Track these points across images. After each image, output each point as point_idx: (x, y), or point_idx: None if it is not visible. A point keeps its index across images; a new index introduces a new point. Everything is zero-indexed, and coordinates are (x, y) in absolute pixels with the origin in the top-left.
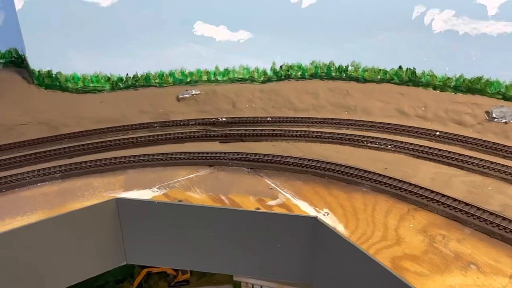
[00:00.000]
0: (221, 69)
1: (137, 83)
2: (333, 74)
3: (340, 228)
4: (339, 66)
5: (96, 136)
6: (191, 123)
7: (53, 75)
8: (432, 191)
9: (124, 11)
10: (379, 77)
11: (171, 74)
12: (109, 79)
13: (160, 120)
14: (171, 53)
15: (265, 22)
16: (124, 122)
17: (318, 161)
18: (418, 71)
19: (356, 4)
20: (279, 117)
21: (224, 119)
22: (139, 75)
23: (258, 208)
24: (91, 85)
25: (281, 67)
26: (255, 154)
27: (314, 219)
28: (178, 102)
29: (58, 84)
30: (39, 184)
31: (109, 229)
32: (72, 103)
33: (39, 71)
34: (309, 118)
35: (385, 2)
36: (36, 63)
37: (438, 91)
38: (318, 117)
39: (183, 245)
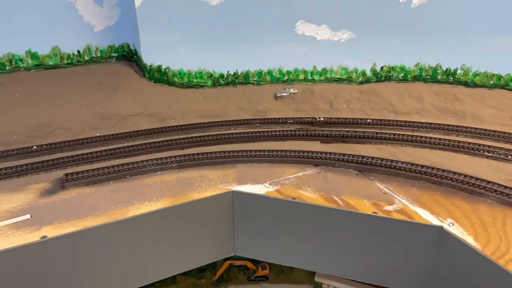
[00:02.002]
0: (319, 68)
1: (236, 80)
2: (439, 77)
3: (470, 240)
4: (446, 69)
5: (201, 129)
6: (289, 121)
7: (162, 70)
8: None
9: (231, 10)
10: (491, 82)
11: (269, 72)
12: (211, 75)
13: (259, 117)
14: (271, 52)
15: (369, 22)
16: (225, 117)
17: (433, 168)
18: None
19: (471, 4)
20: (380, 120)
21: (322, 119)
22: (239, 73)
23: (375, 212)
24: (195, 80)
25: (382, 68)
26: (362, 157)
27: (439, 228)
28: (276, 100)
29: (166, 78)
30: (158, 172)
31: (222, 220)
32: (177, 97)
33: (150, 66)
34: (413, 122)
35: (502, 2)
36: (149, 58)
37: None
38: (423, 121)
39: (293, 242)
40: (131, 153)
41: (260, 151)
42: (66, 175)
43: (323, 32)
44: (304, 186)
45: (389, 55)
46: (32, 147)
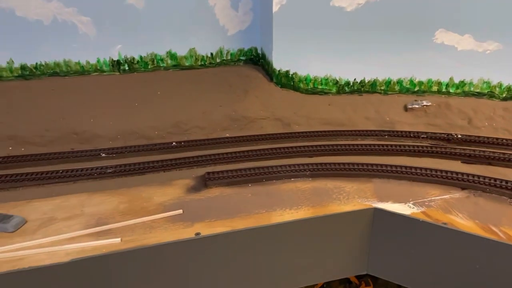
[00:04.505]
0: (456, 80)
1: (362, 88)
2: None
3: None
4: None
5: (326, 138)
6: (421, 136)
7: (290, 75)
8: None
9: (366, 16)
10: None
11: (399, 81)
12: (337, 82)
13: (386, 129)
14: (403, 60)
15: None
16: (350, 127)
17: None
18: None
19: None
20: None
21: (459, 136)
22: (366, 81)
23: None
24: (320, 87)
25: None
26: None
27: None
28: (405, 112)
29: (292, 83)
30: (292, 179)
31: (359, 237)
32: (303, 103)
33: (279, 71)
34: None
35: None
36: (278, 63)
37: None
38: None
39: (438, 270)
40: (262, 156)
41: (397, 166)
42: (208, 173)
43: (466, 42)
44: (453, 210)
45: None
46: (171, 143)
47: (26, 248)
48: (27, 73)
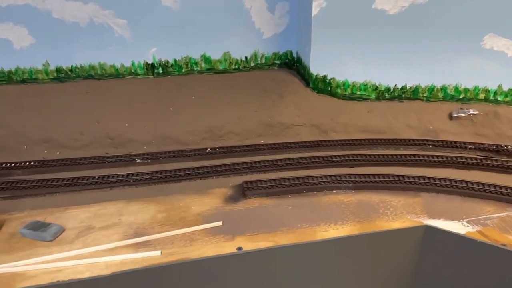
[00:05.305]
0: (505, 88)
1: (403, 95)
2: None
3: None
4: None
5: (366, 146)
6: (469, 147)
7: (327, 80)
8: None
9: (409, 20)
10: None
11: (443, 88)
12: (376, 88)
13: (430, 138)
14: (447, 66)
15: None
16: (391, 135)
17: None
18: None
19: None
20: None
21: (510, 147)
22: (407, 87)
23: None
24: (358, 92)
25: None
26: None
27: None
28: (450, 121)
29: (329, 89)
30: (334, 191)
31: (407, 256)
32: (340, 109)
33: (316, 76)
34: None
35: None
36: (316, 67)
37: None
38: None
39: None
40: (300, 165)
41: (446, 180)
42: (246, 183)
43: None
44: (511, 230)
45: None
46: (206, 149)
47: (65, 259)
48: (62, 76)
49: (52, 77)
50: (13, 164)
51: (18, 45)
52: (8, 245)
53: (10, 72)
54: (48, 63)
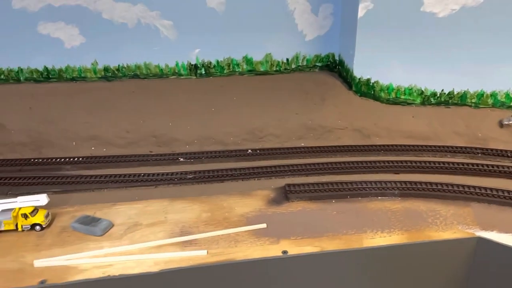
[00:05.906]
0: None
1: (450, 100)
2: None
3: None
4: None
5: (411, 152)
6: None
7: (371, 84)
8: None
9: (459, 22)
10: None
11: (493, 94)
12: (422, 92)
13: (479, 146)
14: (499, 71)
15: None
16: (436, 141)
17: None
18: None
19: None
20: None
21: None
22: (454, 92)
23: None
24: (403, 97)
25: None
26: None
27: None
28: (500, 128)
29: (372, 92)
30: (379, 197)
31: (458, 267)
32: (383, 114)
33: (359, 79)
34: None
35: None
36: (359, 70)
37: None
38: None
39: None
40: (342, 170)
41: (499, 190)
42: (288, 185)
43: None
44: None
45: None
46: (247, 150)
47: (115, 254)
48: (109, 75)
49: (100, 76)
50: (62, 159)
51: (69, 44)
52: (60, 238)
53: (60, 70)
54: (97, 62)
